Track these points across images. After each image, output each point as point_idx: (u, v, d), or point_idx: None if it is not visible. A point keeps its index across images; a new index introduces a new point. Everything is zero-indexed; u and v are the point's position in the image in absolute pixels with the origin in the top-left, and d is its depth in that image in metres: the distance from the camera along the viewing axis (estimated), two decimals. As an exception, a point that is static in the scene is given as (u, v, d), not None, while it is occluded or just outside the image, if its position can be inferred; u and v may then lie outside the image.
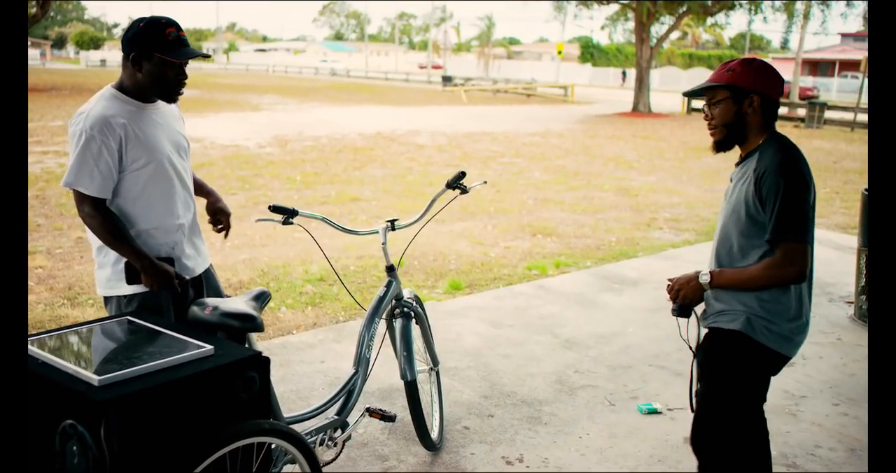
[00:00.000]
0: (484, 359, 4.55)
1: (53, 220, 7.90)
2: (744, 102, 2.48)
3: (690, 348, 2.75)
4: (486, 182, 3.74)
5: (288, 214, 2.98)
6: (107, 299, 2.82)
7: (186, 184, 2.89)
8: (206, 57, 2.84)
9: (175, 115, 2.93)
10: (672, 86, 51.37)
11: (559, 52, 48.19)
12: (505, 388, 4.16)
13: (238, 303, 2.51)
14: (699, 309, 2.68)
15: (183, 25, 2.74)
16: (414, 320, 3.31)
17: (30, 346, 2.15)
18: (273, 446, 2.33)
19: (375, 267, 6.50)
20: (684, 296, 2.59)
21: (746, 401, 2.60)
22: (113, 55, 73.29)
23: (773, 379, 3.71)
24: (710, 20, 33.36)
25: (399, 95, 35.04)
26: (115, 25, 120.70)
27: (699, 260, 7.12)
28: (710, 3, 28.43)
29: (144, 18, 2.67)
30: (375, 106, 27.73)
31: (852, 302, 5.66)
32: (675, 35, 35.26)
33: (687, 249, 7.65)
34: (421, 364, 3.41)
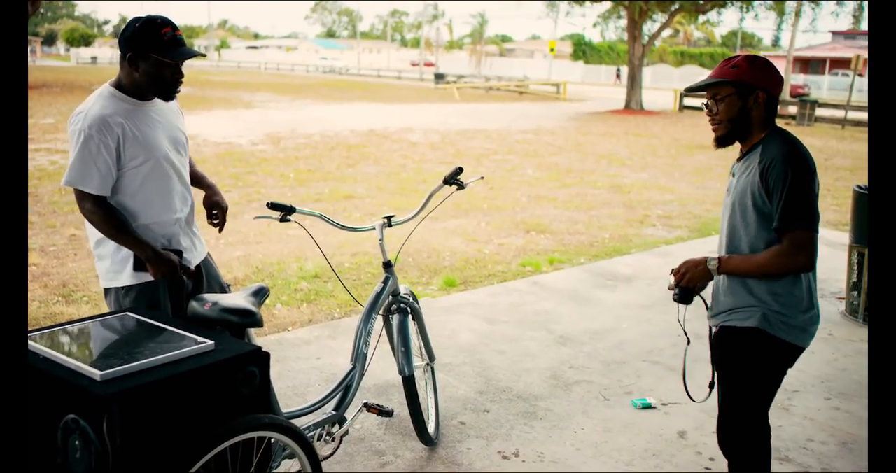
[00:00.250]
0: (479, 355, 4.57)
1: (46, 218, 7.89)
2: (749, 98, 2.49)
3: (686, 335, 2.77)
4: (482, 177, 3.77)
5: (285, 211, 2.99)
6: (106, 291, 2.87)
7: (184, 180, 2.93)
8: (202, 56, 2.88)
9: (174, 111, 2.96)
10: (664, 83, 51.50)
11: (551, 50, 48.24)
12: (500, 384, 4.18)
13: (237, 299, 2.53)
14: (705, 299, 2.69)
15: (175, 23, 2.75)
16: (411, 316, 3.34)
17: (30, 342, 2.16)
18: (273, 441, 2.35)
19: (370, 265, 6.51)
20: (690, 279, 2.58)
21: (768, 397, 2.62)
22: (103, 52, 72.99)
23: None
24: (701, 18, 33.46)
25: (391, 93, 35.02)
26: (106, 22, 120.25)
27: (692, 256, 7.15)
28: (701, 1, 28.50)
29: (141, 18, 2.69)
30: (368, 103, 27.71)
31: (843, 298, 5.71)
32: (666, 33, 35.30)
33: (680, 246, 7.69)
34: (417, 359, 3.43)
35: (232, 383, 2.15)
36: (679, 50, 68.55)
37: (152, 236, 2.80)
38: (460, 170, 3.38)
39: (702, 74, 56.28)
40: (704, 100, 2.60)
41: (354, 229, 3.34)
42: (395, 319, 3.30)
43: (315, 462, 2.43)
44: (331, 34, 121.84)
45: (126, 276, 2.79)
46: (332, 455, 2.99)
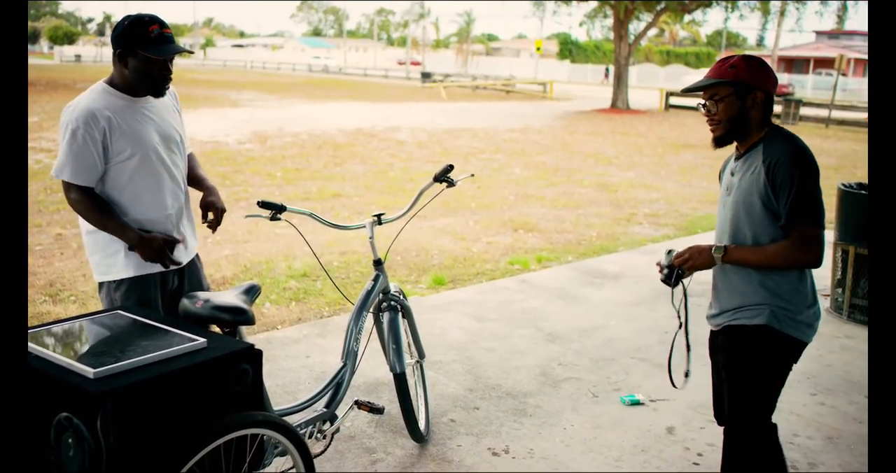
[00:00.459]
0: (468, 353, 4.59)
1: (32, 217, 7.84)
2: (747, 98, 2.50)
3: (679, 317, 2.75)
4: (472, 174, 3.79)
5: (276, 210, 2.99)
6: (100, 285, 2.92)
7: (175, 177, 2.95)
8: (189, 52, 2.92)
9: (169, 110, 2.98)
10: (650, 82, 51.70)
11: (538, 49, 48.34)
12: (490, 381, 4.20)
13: (229, 297, 2.53)
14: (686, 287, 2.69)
15: (163, 20, 2.81)
16: (401, 313, 3.35)
17: (22, 340, 2.16)
18: (265, 438, 2.36)
19: (358, 263, 6.52)
20: (692, 265, 2.57)
21: (776, 394, 2.61)
22: (87, 50, 72.50)
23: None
24: (687, 17, 33.65)
25: (378, 91, 34.99)
26: (90, 20, 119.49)
27: (679, 254, 7.20)
28: (687, 0, 28.65)
29: (130, 16, 2.76)
30: (355, 102, 27.67)
31: (828, 295, 5.76)
32: (652, 32, 35.49)
33: (666, 244, 7.73)
34: (407, 357, 3.45)
35: (225, 380, 2.16)
36: (665, 49, 68.87)
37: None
38: (451, 167, 3.39)
39: (687, 74, 56.56)
40: (701, 101, 2.59)
41: (345, 227, 3.35)
42: (385, 317, 3.31)
43: (308, 459, 2.44)
44: (317, 33, 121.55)
45: (117, 270, 2.84)
46: (323, 452, 3.00)
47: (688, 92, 2.66)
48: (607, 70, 57.09)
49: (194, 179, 3.13)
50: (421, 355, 3.64)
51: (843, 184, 5.56)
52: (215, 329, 2.54)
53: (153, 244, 2.77)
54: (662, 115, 27.13)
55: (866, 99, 31.25)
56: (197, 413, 2.09)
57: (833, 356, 4.72)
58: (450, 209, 9.02)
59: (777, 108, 26.05)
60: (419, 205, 3.37)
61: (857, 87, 44.92)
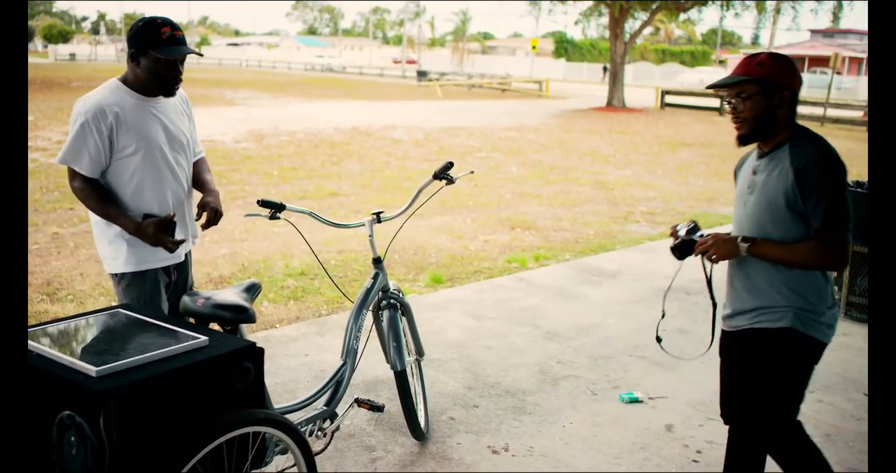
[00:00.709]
0: (467, 351, 4.60)
1: (28, 216, 7.82)
2: (774, 97, 2.45)
3: (670, 286, 2.84)
4: (472, 171, 3.79)
5: (275, 209, 2.99)
6: (111, 276, 3.05)
7: (178, 177, 3.03)
8: (198, 54, 3.04)
9: (178, 112, 3.07)
10: (646, 81, 51.75)
11: (533, 48, 48.34)
12: (489, 379, 4.21)
13: (230, 295, 2.53)
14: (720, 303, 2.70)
15: (176, 23, 2.90)
16: (400, 311, 3.35)
17: (23, 339, 2.16)
18: (267, 436, 2.36)
19: (356, 261, 6.52)
20: (715, 253, 2.53)
21: (802, 395, 2.57)
22: (82, 49, 72.27)
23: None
24: (682, 16, 33.64)
25: (374, 90, 34.96)
26: (84, 19, 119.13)
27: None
28: (682, -1, 28.67)
29: (144, 18, 2.89)
30: (351, 101, 27.65)
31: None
32: (648, 30, 35.48)
33: (664, 242, 7.74)
34: (406, 355, 3.45)
35: (227, 378, 2.16)
36: (660, 48, 68.92)
37: None
38: (451, 164, 3.40)
39: (682, 72, 56.59)
40: (726, 98, 2.54)
41: (344, 226, 3.35)
42: (385, 314, 3.31)
43: (309, 457, 2.45)
44: (312, 31, 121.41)
45: (119, 264, 2.94)
46: (323, 450, 3.00)
47: (714, 87, 2.60)
48: (605, 69, 57.14)
49: (198, 182, 3.21)
50: (420, 353, 3.64)
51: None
52: (216, 327, 2.54)
53: (148, 230, 2.83)
54: (658, 114, 27.15)
55: (861, 97, 31.23)
56: (199, 412, 2.09)
57: (830, 353, 4.70)
58: (447, 207, 9.03)
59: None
60: (418, 203, 3.37)
61: (851, 86, 45.01)
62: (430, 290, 5.87)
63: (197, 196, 3.17)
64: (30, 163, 11.02)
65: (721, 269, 2.73)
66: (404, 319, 3.41)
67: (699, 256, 2.63)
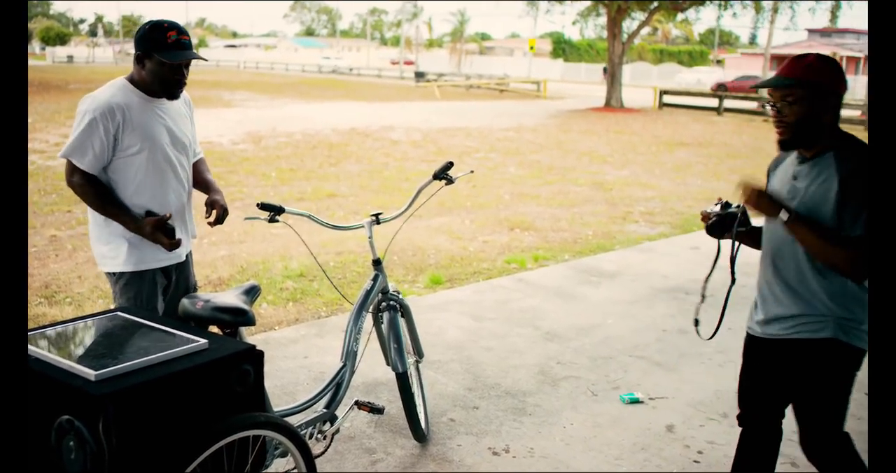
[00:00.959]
0: (467, 352, 4.59)
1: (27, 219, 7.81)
2: (821, 101, 2.35)
3: (732, 275, 2.65)
4: (472, 171, 3.79)
5: (275, 212, 3.00)
6: (107, 275, 3.06)
7: (180, 178, 3.06)
8: (202, 59, 3.09)
9: (182, 114, 3.10)
10: (643, 81, 51.75)
11: (531, 48, 48.32)
12: (489, 380, 4.20)
13: (229, 298, 2.53)
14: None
15: (182, 27, 2.92)
16: (400, 313, 3.34)
17: (22, 343, 2.14)
18: (267, 439, 2.35)
19: (355, 263, 6.50)
20: (753, 204, 2.39)
21: (847, 403, 2.49)
22: (80, 51, 72.25)
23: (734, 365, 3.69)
24: (679, 16, 33.65)
25: (372, 91, 34.95)
26: (82, 21, 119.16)
27: (675, 252, 7.22)
28: (680, -1, 28.69)
29: (152, 21, 2.91)
30: (348, 102, 27.64)
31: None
32: (645, 30, 35.48)
33: (662, 242, 7.75)
34: (407, 356, 3.44)
35: (227, 382, 2.15)
36: (658, 48, 68.94)
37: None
38: (450, 164, 3.39)
39: (680, 72, 56.62)
40: (770, 101, 2.43)
41: (344, 227, 3.34)
42: (385, 316, 3.30)
43: (309, 460, 2.43)
44: (310, 33, 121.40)
45: (117, 263, 2.95)
46: (323, 453, 2.99)
47: (761, 87, 2.48)
48: (605, 70, 57.18)
49: (202, 183, 3.25)
50: (419, 355, 3.63)
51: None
52: (215, 330, 2.53)
53: (145, 230, 2.84)
54: (656, 114, 27.16)
55: (859, 96, 31.17)
56: (199, 415, 2.08)
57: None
58: (445, 208, 9.02)
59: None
60: (417, 203, 3.37)
61: (849, 85, 45.03)
62: (430, 291, 5.86)
63: (197, 196, 3.18)
64: (29, 165, 11.01)
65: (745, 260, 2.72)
66: (404, 321, 3.40)
67: (733, 234, 2.56)
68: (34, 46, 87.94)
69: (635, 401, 3.97)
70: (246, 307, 2.51)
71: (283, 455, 2.60)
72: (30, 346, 2.13)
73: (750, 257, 2.85)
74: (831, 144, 2.37)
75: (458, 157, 13.62)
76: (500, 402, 3.93)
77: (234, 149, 13.83)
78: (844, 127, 2.39)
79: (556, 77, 53.71)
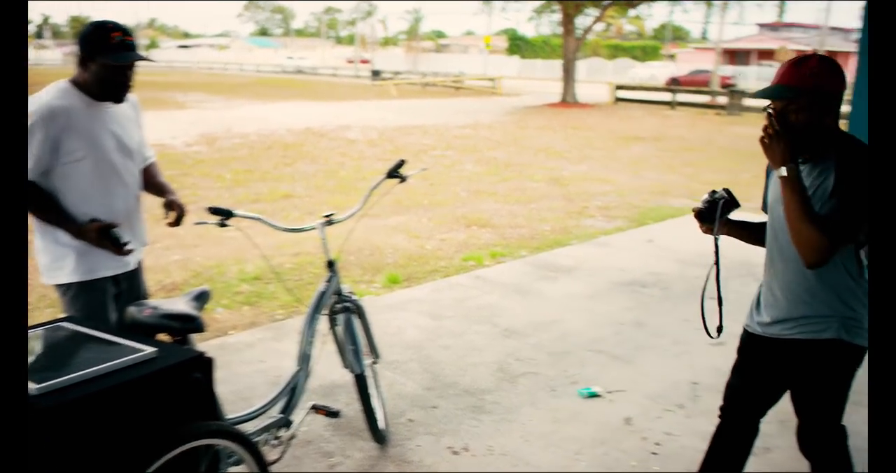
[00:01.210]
0: (425, 351, 4.57)
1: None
2: (823, 107, 2.28)
3: (716, 262, 2.60)
4: (425, 169, 3.78)
5: (224, 216, 2.93)
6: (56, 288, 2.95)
7: (126, 184, 2.96)
8: (147, 60, 2.97)
9: (128, 118, 2.99)
10: (598, 76, 52.18)
11: (487, 45, 48.45)
12: (447, 379, 4.19)
13: (178, 304, 2.48)
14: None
15: (127, 28, 2.83)
16: (355, 314, 3.32)
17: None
18: (219, 448, 2.31)
19: (312, 264, 6.45)
20: (768, 145, 2.32)
21: (845, 400, 2.50)
22: (29, 52, 70.47)
23: (706, 358, 3.77)
24: (632, 12, 34.03)
25: (328, 90, 34.72)
26: (28, 22, 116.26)
27: (631, 246, 7.29)
28: (631, -5, 29.00)
29: (94, 22, 2.80)
30: (304, 101, 27.41)
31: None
32: (599, 26, 35.78)
33: (619, 236, 7.81)
34: (363, 357, 3.41)
35: (176, 391, 2.10)
36: (612, 43, 69.53)
37: None
38: (402, 162, 3.38)
39: (633, 66, 57.21)
40: (769, 107, 2.34)
41: (296, 230, 3.30)
42: (341, 318, 3.27)
43: (264, 467, 2.40)
44: (264, 32, 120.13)
45: (66, 273, 2.85)
46: (279, 459, 2.95)
47: (761, 97, 2.38)
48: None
49: (155, 187, 3.15)
50: (376, 355, 3.61)
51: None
52: (165, 337, 2.48)
53: (90, 235, 2.76)
54: (611, 108, 27.43)
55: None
56: (148, 426, 2.04)
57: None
58: (402, 207, 8.99)
59: (722, 100, 26.56)
60: (370, 203, 3.34)
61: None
62: (387, 291, 5.83)
63: (152, 201, 3.09)
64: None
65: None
66: (359, 322, 3.38)
67: (716, 220, 2.55)
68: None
69: (593, 395, 4.00)
70: (195, 313, 2.46)
71: (238, 463, 2.55)
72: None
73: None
74: (833, 145, 2.32)
75: (415, 155, 13.60)
76: (458, 401, 3.93)
77: (188, 151, 13.62)
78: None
79: (512, 74, 53.93)
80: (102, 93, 2.82)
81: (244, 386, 4.03)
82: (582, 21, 30.81)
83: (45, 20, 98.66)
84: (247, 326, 5.00)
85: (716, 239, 2.60)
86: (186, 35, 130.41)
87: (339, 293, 3.29)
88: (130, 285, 3.06)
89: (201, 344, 4.53)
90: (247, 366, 4.29)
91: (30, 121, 2.70)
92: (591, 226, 8.29)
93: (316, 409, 3.14)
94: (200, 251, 6.85)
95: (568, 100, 28.76)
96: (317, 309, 3.12)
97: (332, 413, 3.15)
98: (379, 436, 3.41)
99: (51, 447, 1.82)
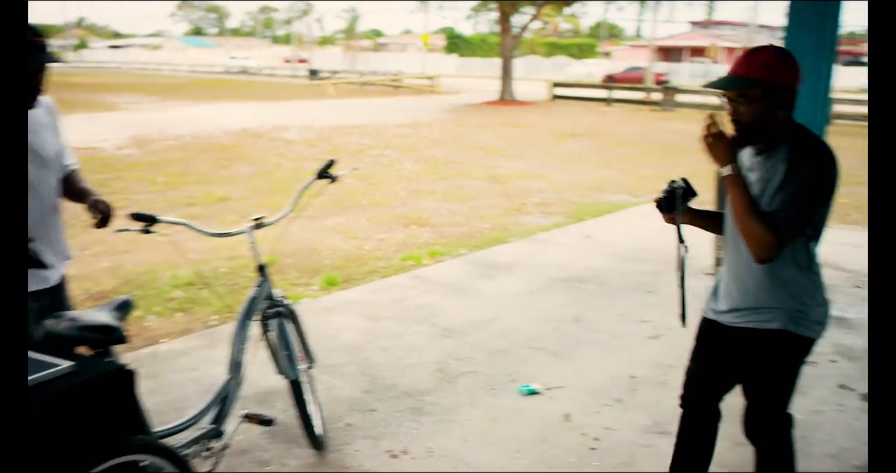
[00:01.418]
0: (363, 354, 4.52)
1: None
2: (777, 100, 2.31)
3: (682, 243, 2.64)
4: (357, 169, 3.73)
5: (147, 222, 2.82)
6: None
7: (41, 195, 2.74)
8: (62, 62, 2.78)
9: (42, 124, 2.77)
10: (536, 74, 52.64)
11: (425, 44, 48.43)
12: (386, 381, 4.15)
13: (97, 315, 2.38)
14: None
15: (38, 28, 2.67)
16: (288, 318, 3.25)
17: None
18: (146, 463, 2.22)
19: (247, 268, 6.31)
20: (709, 143, 2.37)
21: (792, 390, 2.58)
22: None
23: (643, 351, 3.80)
24: (567, 10, 34.40)
25: (264, 91, 34.24)
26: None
27: (569, 242, 7.35)
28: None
29: None
30: (240, 102, 26.97)
31: (711, 274, 5.99)
32: (536, 25, 36.07)
33: (557, 232, 7.87)
34: (298, 363, 3.35)
35: (96, 406, 2.02)
36: (549, 41, 70.17)
37: None
38: (332, 162, 3.33)
39: (570, 64, 57.89)
40: (725, 97, 2.38)
41: (224, 234, 3.22)
42: (273, 323, 3.20)
43: (192, 480, 2.32)
44: (198, 32, 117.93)
45: None
46: (211, 471, 2.87)
47: (713, 88, 2.40)
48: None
49: (78, 193, 2.94)
50: (311, 360, 3.54)
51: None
52: (86, 350, 2.38)
53: None
54: (549, 106, 27.69)
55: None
56: (67, 444, 1.94)
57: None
58: (341, 207, 8.89)
59: (656, 96, 27.04)
60: (301, 205, 3.28)
61: (706, 72, 46.94)
62: (325, 293, 5.76)
63: (77, 208, 2.93)
64: None
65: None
66: (293, 326, 3.31)
67: (677, 209, 2.59)
68: None
69: (532, 393, 4.00)
70: (116, 324, 2.37)
71: (168, 476, 2.47)
72: None
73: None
74: (785, 137, 2.36)
75: (354, 155, 13.50)
76: (397, 403, 3.89)
77: (119, 154, 13.27)
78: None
79: (450, 72, 54.02)
80: None
81: (177, 396, 3.92)
82: (519, 19, 31.03)
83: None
84: (179, 334, 4.87)
85: (678, 228, 2.64)
86: (117, 35, 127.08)
87: (270, 298, 3.23)
88: (53, 300, 2.88)
89: (131, 354, 4.42)
90: (179, 375, 4.18)
91: None
92: (529, 223, 8.33)
93: (249, 418, 3.06)
94: (131, 257, 6.66)
95: (506, 97, 28.94)
96: (248, 315, 3.05)
97: (266, 422, 3.07)
98: (316, 442, 3.35)
99: (-42, 470, 1.72)
